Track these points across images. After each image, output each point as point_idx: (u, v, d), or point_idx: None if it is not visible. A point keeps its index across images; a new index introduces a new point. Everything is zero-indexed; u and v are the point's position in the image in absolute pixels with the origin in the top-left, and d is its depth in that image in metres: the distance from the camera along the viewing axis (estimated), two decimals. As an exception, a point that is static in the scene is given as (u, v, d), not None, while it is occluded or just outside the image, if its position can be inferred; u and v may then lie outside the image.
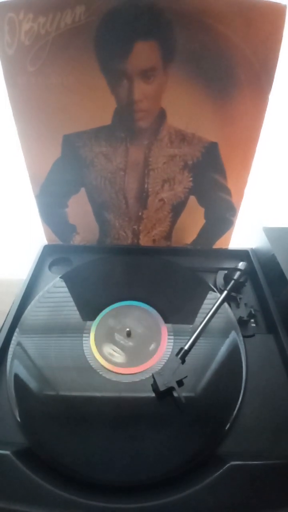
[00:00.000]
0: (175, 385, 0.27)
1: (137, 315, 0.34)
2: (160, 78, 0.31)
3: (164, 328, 0.33)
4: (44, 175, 0.38)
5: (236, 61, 0.30)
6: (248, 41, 0.29)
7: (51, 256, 0.42)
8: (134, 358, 0.30)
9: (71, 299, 0.36)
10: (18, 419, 0.26)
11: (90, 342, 0.31)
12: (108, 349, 0.31)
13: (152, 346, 0.31)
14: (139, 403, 0.28)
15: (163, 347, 0.31)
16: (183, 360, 0.29)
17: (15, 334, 0.31)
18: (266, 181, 0.47)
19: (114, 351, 0.31)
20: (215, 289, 0.36)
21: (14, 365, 0.29)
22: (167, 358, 0.30)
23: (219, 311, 0.33)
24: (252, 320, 0.34)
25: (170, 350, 0.31)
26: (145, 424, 0.26)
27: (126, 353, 0.31)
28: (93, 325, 0.33)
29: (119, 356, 0.30)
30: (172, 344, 0.31)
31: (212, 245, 0.45)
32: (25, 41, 0.30)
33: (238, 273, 0.36)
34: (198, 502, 0.21)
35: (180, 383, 0.27)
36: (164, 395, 0.27)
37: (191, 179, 0.38)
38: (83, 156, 0.37)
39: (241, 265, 0.37)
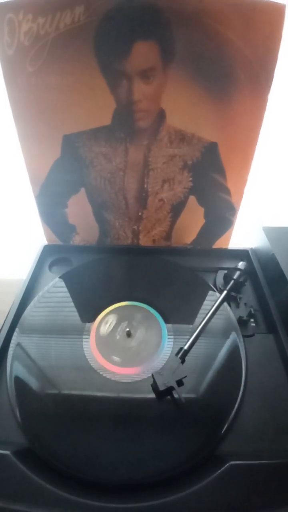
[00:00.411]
0: (175, 385, 0.27)
1: (137, 315, 0.34)
2: (159, 78, 0.31)
3: (164, 328, 0.33)
4: (44, 175, 0.38)
5: (235, 61, 0.30)
6: (247, 41, 0.29)
7: (51, 256, 0.42)
8: (134, 358, 0.30)
9: (71, 299, 0.36)
10: (18, 419, 0.26)
11: (90, 342, 0.31)
12: (108, 349, 0.31)
13: (152, 346, 0.31)
14: (138, 403, 0.28)
15: (163, 347, 0.31)
16: (183, 360, 0.29)
17: (15, 334, 0.31)
18: (266, 180, 0.47)
19: (114, 351, 0.31)
20: (215, 289, 0.36)
21: (14, 365, 0.29)
22: (167, 358, 0.30)
23: (219, 311, 0.33)
24: (252, 320, 0.34)
25: (170, 350, 0.31)
26: (145, 424, 0.26)
27: (126, 353, 0.31)
28: (93, 325, 0.33)
29: (119, 356, 0.30)
30: (172, 344, 0.31)
31: (212, 245, 0.45)
32: (24, 42, 0.30)
33: (238, 273, 0.36)
34: (197, 502, 0.21)
35: (179, 382, 0.27)
36: (163, 395, 0.27)
37: (190, 179, 0.38)
38: (83, 156, 0.37)
39: (241, 265, 0.37)
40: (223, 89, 0.32)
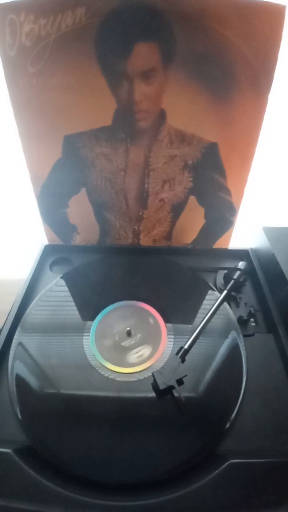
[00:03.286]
0: (175, 384, 0.27)
1: (137, 314, 0.34)
2: (160, 79, 0.32)
3: (164, 327, 0.33)
4: (45, 176, 0.38)
5: (235, 62, 0.31)
6: (247, 42, 0.30)
7: (52, 256, 0.42)
8: (134, 357, 0.30)
9: (71, 298, 0.36)
10: (20, 417, 0.26)
11: (91, 341, 0.32)
12: (109, 348, 0.31)
13: (152, 345, 0.31)
14: (139, 402, 0.28)
15: (163, 346, 0.31)
16: (183, 359, 0.29)
17: (16, 333, 0.32)
18: (266, 181, 0.47)
19: (114, 350, 0.31)
20: (215, 289, 0.36)
21: (15, 364, 0.29)
22: (167, 357, 0.30)
23: (219, 310, 0.33)
24: (252, 320, 0.34)
25: (170, 349, 0.31)
26: (145, 423, 0.26)
27: (126, 352, 0.31)
28: (94, 325, 0.33)
29: (119, 355, 0.30)
30: (172, 343, 0.31)
31: (212, 245, 0.45)
32: (26, 43, 0.30)
33: (238, 272, 0.37)
34: (198, 500, 0.22)
35: (180, 381, 0.27)
36: (164, 394, 0.27)
37: (191, 179, 0.39)
38: (84, 156, 0.37)
39: (241, 264, 0.37)
40: (223, 89, 0.32)
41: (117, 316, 0.34)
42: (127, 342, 0.32)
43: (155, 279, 0.38)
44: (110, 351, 0.31)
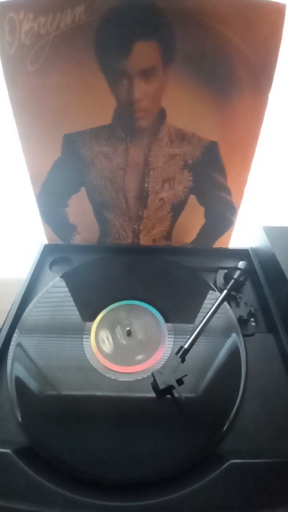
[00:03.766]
0: (175, 384, 0.27)
1: (137, 314, 0.34)
2: (160, 78, 0.31)
3: (164, 327, 0.33)
4: (44, 175, 0.38)
5: (235, 61, 0.30)
6: (247, 41, 0.29)
7: (51, 256, 0.42)
8: (134, 357, 0.30)
9: (71, 298, 0.36)
10: (19, 418, 0.26)
11: (90, 341, 0.31)
12: (108, 348, 0.31)
13: (152, 345, 0.31)
14: (139, 402, 0.28)
15: (163, 346, 0.31)
16: (183, 359, 0.29)
17: (15, 333, 0.31)
18: (266, 180, 0.47)
19: (114, 350, 0.31)
20: (215, 288, 0.36)
21: (15, 364, 0.29)
22: (167, 357, 0.30)
23: (219, 310, 0.33)
24: (252, 319, 0.34)
25: (170, 349, 0.31)
26: (145, 423, 0.26)
27: (126, 352, 0.31)
28: (93, 325, 0.33)
29: (119, 355, 0.30)
30: (172, 343, 0.31)
31: (212, 245, 0.45)
32: (25, 41, 0.30)
33: (238, 272, 0.36)
34: (197, 501, 0.22)
35: (180, 381, 0.27)
36: (164, 394, 0.27)
37: (191, 178, 0.38)
38: (84, 155, 0.37)
39: (241, 264, 0.37)
40: (224, 88, 0.32)
41: (116, 316, 0.34)
42: (126, 342, 0.31)
43: (155, 278, 0.38)
44: (110, 351, 0.31)
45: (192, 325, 0.33)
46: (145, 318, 0.34)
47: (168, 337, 0.32)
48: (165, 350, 0.31)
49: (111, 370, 0.29)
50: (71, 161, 0.37)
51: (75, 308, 0.35)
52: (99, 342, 0.31)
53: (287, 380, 0.28)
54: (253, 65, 0.31)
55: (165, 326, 0.33)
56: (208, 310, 0.32)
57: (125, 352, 0.31)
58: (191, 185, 0.39)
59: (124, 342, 0.31)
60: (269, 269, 0.37)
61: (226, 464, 0.23)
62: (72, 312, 0.34)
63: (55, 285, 0.36)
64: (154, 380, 0.27)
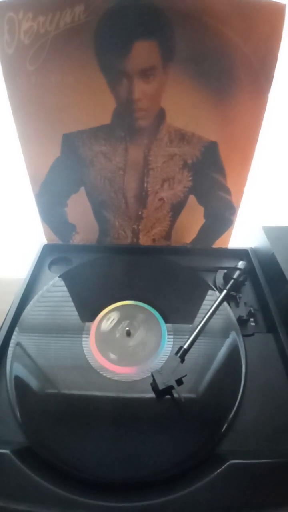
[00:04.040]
0: (174, 384, 0.27)
1: (136, 314, 0.34)
2: (159, 78, 0.31)
3: (164, 327, 0.33)
4: (43, 174, 0.38)
5: (235, 61, 0.30)
6: (247, 41, 0.29)
7: (50, 255, 0.42)
8: (134, 357, 0.30)
9: (70, 298, 0.36)
10: (18, 418, 0.26)
11: (90, 341, 0.31)
12: (108, 348, 0.31)
13: (152, 345, 0.31)
14: (138, 402, 0.28)
15: (163, 346, 0.31)
16: (182, 359, 0.29)
17: (15, 333, 0.31)
18: (266, 180, 0.47)
19: (114, 350, 0.31)
20: (214, 288, 0.36)
21: (14, 364, 0.29)
22: (166, 357, 0.30)
23: (219, 310, 0.33)
24: (252, 319, 0.34)
25: (170, 349, 0.31)
26: (144, 423, 0.26)
27: (125, 352, 0.31)
28: (93, 324, 0.33)
29: (118, 355, 0.30)
30: (171, 343, 0.31)
31: (212, 244, 0.45)
32: (24, 40, 0.30)
33: (237, 272, 0.36)
34: (197, 501, 0.21)
35: (179, 381, 0.27)
36: (163, 394, 0.27)
37: (190, 178, 0.38)
38: (83, 155, 0.37)
39: (241, 264, 0.37)
40: (223, 88, 0.32)
41: (116, 316, 0.34)
42: (126, 342, 0.31)
43: (155, 278, 0.38)
44: (109, 351, 0.31)
45: (191, 325, 0.33)
46: (145, 318, 0.33)
47: (168, 337, 0.32)
48: (164, 350, 0.31)
49: (110, 370, 0.29)
50: (71, 161, 0.37)
51: (74, 308, 0.35)
52: (98, 342, 0.31)
53: (287, 380, 0.28)
54: (253, 65, 0.31)
55: (164, 326, 0.33)
56: (207, 310, 0.32)
57: (125, 352, 0.31)
58: (191, 185, 0.39)
59: (124, 342, 0.31)
60: (269, 269, 0.37)
61: (226, 464, 0.23)
62: (71, 312, 0.34)
63: (54, 285, 0.36)
64: (154, 380, 0.27)
